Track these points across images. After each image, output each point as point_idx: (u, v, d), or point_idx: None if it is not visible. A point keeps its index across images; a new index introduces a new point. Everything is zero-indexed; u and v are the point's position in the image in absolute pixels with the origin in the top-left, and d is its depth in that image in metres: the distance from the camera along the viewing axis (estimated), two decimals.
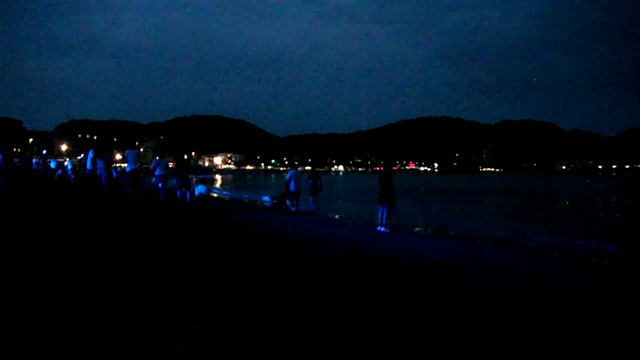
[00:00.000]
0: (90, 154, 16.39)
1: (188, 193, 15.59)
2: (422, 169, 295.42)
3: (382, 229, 11.22)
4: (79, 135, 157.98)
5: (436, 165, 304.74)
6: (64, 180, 21.67)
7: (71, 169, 23.73)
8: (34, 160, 35.03)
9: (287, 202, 15.64)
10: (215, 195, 26.09)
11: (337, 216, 16.86)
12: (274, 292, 4.61)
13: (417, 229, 13.64)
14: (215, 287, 4.68)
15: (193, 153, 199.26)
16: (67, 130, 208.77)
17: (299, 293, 4.66)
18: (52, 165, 29.92)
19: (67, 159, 38.09)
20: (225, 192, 34.62)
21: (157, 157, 15.86)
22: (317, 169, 20.94)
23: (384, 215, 11.39)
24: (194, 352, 2.99)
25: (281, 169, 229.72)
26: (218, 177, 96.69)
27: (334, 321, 3.82)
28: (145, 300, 4.02)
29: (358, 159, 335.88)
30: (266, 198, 15.40)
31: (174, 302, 4.04)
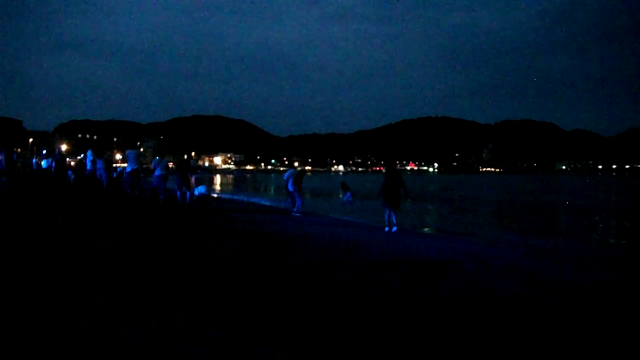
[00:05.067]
0: (89, 155, 16.39)
1: (188, 193, 15.57)
2: (422, 168, 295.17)
3: (387, 229, 10.97)
4: (79, 135, 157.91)
5: (436, 165, 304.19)
6: (65, 181, 21.66)
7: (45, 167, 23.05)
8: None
9: (289, 202, 15.66)
10: (215, 195, 26.08)
11: (336, 215, 16.88)
12: (273, 292, 4.62)
13: (422, 229, 13.64)
14: (214, 287, 4.69)
15: (193, 153, 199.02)
16: (67, 130, 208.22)
17: (298, 293, 4.67)
18: (44, 165, 29.46)
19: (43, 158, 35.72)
20: (224, 193, 34.58)
21: (157, 157, 15.83)
22: (302, 167, 21.08)
23: (392, 218, 11.06)
24: (194, 352, 3.01)
25: (281, 168, 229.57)
26: (217, 177, 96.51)
27: (330, 320, 3.84)
28: (145, 300, 4.04)
29: (358, 159, 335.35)
30: (283, 203, 15.26)
31: (174, 301, 4.05)
